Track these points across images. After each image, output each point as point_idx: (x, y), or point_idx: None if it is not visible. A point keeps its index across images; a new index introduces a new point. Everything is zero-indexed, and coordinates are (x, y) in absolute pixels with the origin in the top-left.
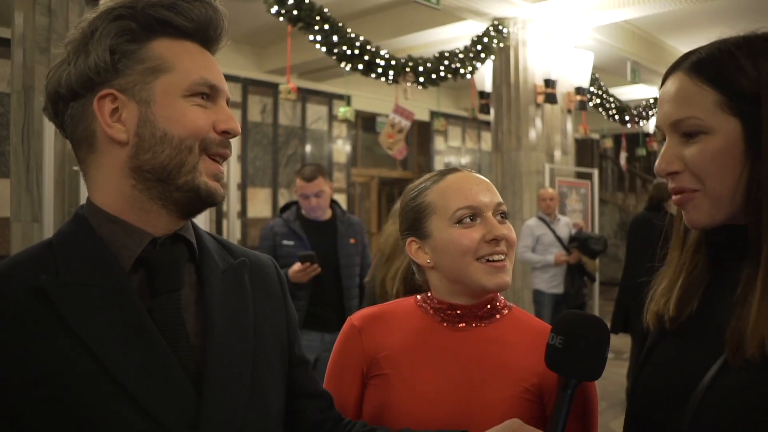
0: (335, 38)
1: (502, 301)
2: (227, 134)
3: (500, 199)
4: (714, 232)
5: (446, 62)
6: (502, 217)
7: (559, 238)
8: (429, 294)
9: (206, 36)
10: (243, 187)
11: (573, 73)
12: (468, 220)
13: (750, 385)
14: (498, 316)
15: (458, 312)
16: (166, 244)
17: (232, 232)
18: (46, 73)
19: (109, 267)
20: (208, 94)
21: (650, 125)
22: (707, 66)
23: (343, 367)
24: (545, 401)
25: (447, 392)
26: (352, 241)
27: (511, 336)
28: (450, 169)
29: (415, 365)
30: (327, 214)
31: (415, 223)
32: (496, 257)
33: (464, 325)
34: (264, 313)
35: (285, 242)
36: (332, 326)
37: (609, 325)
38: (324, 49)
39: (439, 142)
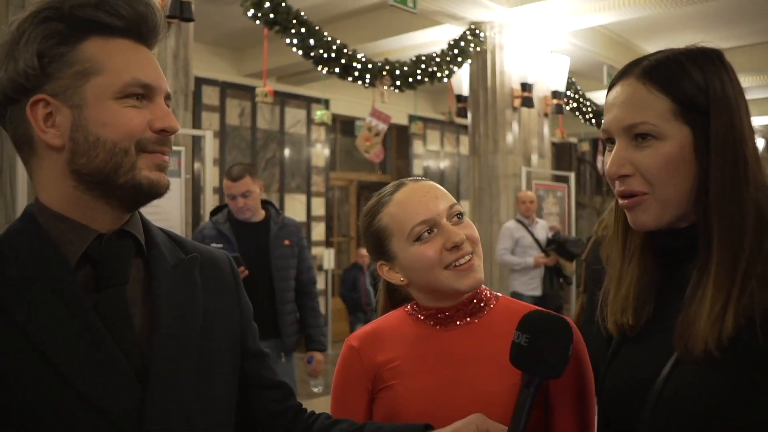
0: (312, 41)
1: (488, 293)
2: (165, 132)
3: (452, 201)
4: (660, 234)
5: (423, 66)
6: (458, 218)
7: (537, 241)
8: (415, 303)
9: (140, 32)
10: (220, 191)
11: (550, 77)
12: (426, 234)
13: (699, 380)
14: (486, 309)
15: (447, 313)
16: (112, 240)
17: None
18: None
19: (55, 262)
20: (142, 93)
21: None
22: (659, 73)
23: (348, 391)
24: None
25: (450, 391)
26: (286, 242)
27: (502, 326)
28: (397, 186)
29: (416, 371)
30: (259, 215)
31: (378, 248)
32: (462, 261)
33: (456, 323)
34: (215, 307)
35: (213, 245)
36: (266, 331)
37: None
38: (300, 52)
39: (417, 146)
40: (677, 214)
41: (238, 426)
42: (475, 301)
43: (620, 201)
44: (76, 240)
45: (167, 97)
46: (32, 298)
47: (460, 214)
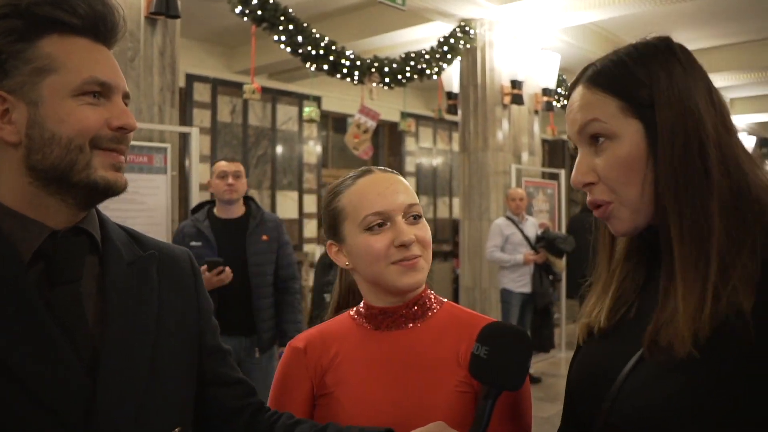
0: (300, 38)
1: (432, 298)
2: (123, 130)
3: (412, 200)
4: (639, 236)
5: (412, 63)
6: (414, 218)
7: (527, 238)
8: (360, 305)
9: (97, 31)
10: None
11: (540, 75)
12: (377, 226)
13: (661, 378)
14: (430, 313)
15: (390, 316)
16: (67, 237)
17: None
18: None
19: (7, 259)
20: (99, 92)
21: None
22: (603, 76)
23: (291, 393)
24: (475, 390)
25: (392, 399)
26: (264, 238)
27: (442, 331)
28: (364, 171)
29: (357, 379)
30: (239, 210)
31: (331, 227)
32: (406, 259)
33: (399, 327)
34: (171, 304)
35: (193, 243)
36: (242, 327)
37: None
38: (289, 49)
39: (410, 143)
40: (651, 214)
41: (197, 423)
42: (417, 305)
43: (594, 212)
44: (29, 237)
45: (125, 96)
46: None
47: (417, 215)
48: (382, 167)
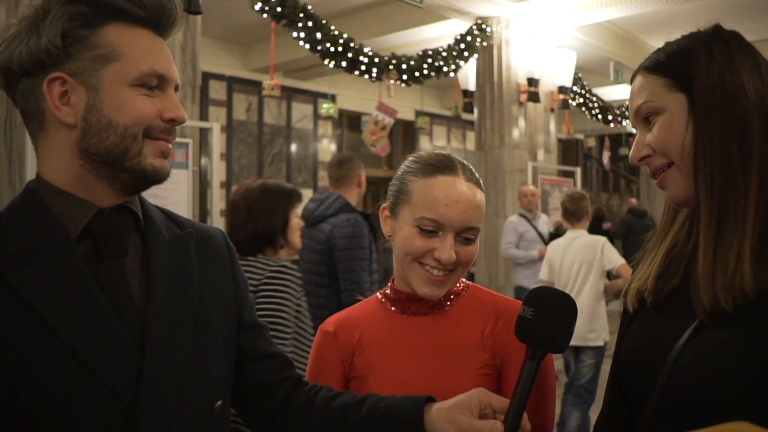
0: (318, 35)
1: (459, 284)
2: (173, 122)
3: (473, 224)
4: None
5: (429, 60)
6: (465, 240)
7: (540, 235)
8: (388, 287)
9: (159, 23)
10: (228, 186)
11: (556, 73)
12: (428, 230)
13: (717, 344)
14: (454, 297)
15: (414, 301)
16: (113, 215)
17: None
18: None
19: (56, 236)
20: (156, 83)
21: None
22: (653, 62)
23: (321, 373)
24: (499, 372)
25: (420, 382)
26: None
27: (467, 315)
28: (449, 167)
29: (384, 362)
30: None
31: (394, 197)
32: (435, 272)
33: (424, 312)
34: (210, 281)
35: None
36: None
37: None
38: (307, 46)
39: (424, 142)
40: None
41: (236, 396)
42: (445, 293)
43: (655, 182)
44: (77, 215)
45: (176, 88)
46: (35, 270)
47: (469, 238)
48: (470, 170)
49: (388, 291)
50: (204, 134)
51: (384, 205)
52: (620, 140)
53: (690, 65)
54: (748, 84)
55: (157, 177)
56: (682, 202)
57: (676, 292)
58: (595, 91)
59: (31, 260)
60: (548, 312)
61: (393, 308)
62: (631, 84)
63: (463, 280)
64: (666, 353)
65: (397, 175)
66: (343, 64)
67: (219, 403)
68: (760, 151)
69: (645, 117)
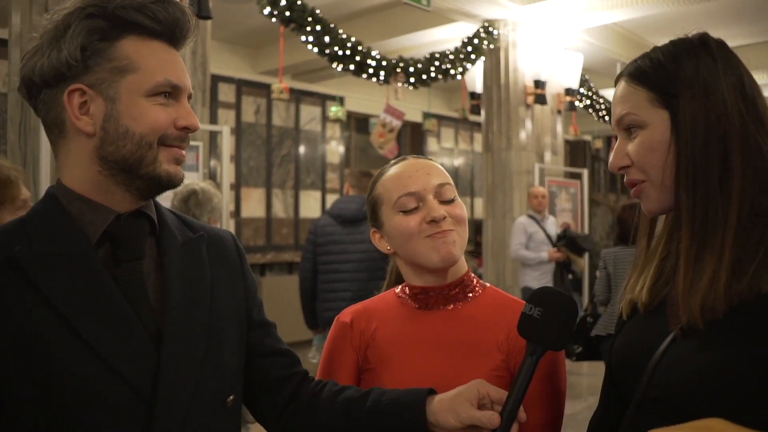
0: (327, 39)
1: (475, 282)
2: (187, 130)
3: (443, 180)
4: (679, 217)
5: (437, 63)
6: (447, 202)
7: (548, 236)
8: (401, 287)
9: (173, 36)
10: (237, 188)
11: (563, 75)
12: (411, 206)
13: (689, 353)
14: (471, 295)
15: (431, 295)
16: (130, 219)
17: None
18: (21, 56)
19: (77, 239)
20: (170, 92)
21: None
22: (639, 71)
23: (334, 364)
24: (512, 376)
25: (430, 378)
26: None
27: (483, 315)
28: (399, 159)
29: (397, 356)
30: None
31: (372, 215)
32: (437, 233)
33: (440, 307)
34: (221, 281)
35: None
36: None
37: None
38: (316, 49)
39: (431, 144)
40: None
41: (247, 391)
42: (460, 287)
43: (632, 192)
44: (96, 219)
45: (189, 96)
46: (58, 272)
47: (450, 199)
48: (417, 155)
49: (405, 290)
50: (214, 137)
51: (372, 231)
52: None
53: (675, 83)
54: (731, 106)
55: (172, 183)
56: (657, 213)
57: (665, 300)
58: (602, 92)
59: (55, 262)
60: (554, 312)
61: (410, 302)
62: (615, 86)
63: (482, 281)
64: (651, 356)
65: (367, 202)
66: (351, 67)
67: (231, 397)
68: (740, 172)
69: (627, 127)
